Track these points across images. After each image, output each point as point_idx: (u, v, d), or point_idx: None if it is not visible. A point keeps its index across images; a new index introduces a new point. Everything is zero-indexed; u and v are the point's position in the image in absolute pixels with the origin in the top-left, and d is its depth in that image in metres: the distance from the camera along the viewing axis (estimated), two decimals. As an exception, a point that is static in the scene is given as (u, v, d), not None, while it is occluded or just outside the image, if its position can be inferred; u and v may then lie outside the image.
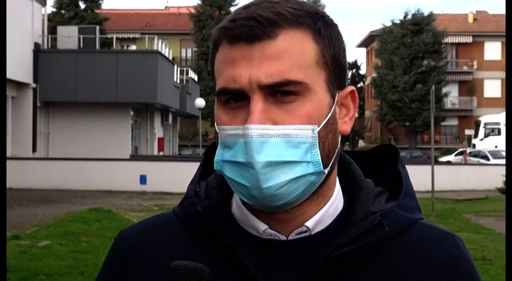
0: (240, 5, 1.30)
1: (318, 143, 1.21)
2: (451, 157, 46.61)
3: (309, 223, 1.26)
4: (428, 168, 20.14)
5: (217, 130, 1.24)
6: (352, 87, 1.31)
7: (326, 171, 1.23)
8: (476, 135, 42.70)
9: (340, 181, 1.33)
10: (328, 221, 1.28)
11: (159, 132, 39.95)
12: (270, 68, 1.19)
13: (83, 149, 29.36)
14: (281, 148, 1.18)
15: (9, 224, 11.63)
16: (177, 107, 38.24)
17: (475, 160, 42.06)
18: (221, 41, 1.24)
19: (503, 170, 25.62)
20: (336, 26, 1.29)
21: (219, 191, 1.32)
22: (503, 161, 36.06)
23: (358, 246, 1.24)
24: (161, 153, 39.36)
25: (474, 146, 43.05)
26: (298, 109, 1.20)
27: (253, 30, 1.19)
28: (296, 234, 1.27)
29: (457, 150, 50.13)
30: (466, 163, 38.10)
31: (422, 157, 46.83)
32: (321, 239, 1.26)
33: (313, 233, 1.27)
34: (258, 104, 1.18)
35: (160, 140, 40.08)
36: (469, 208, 20.33)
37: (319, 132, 1.21)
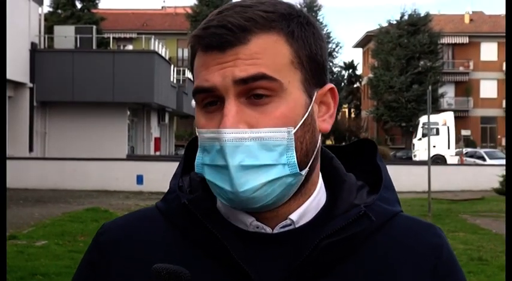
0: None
1: (294, 145, 1.21)
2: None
3: (293, 216, 1.28)
4: (424, 168, 20.16)
5: (197, 133, 1.26)
6: (331, 85, 1.31)
7: (303, 172, 1.24)
8: (415, 135, 43.41)
9: (322, 175, 1.35)
10: (311, 214, 1.30)
11: (155, 132, 39.93)
12: (244, 66, 1.20)
13: (80, 149, 29.34)
14: (255, 151, 1.19)
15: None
16: (173, 107, 38.25)
17: (471, 160, 42.14)
18: (196, 48, 1.26)
19: (499, 170, 25.66)
20: (312, 25, 1.28)
21: (203, 185, 1.32)
22: (499, 162, 36.16)
23: (343, 237, 1.25)
24: (158, 153, 39.31)
25: (414, 145, 43.67)
26: (273, 110, 1.20)
27: (224, 38, 1.20)
28: (281, 228, 1.28)
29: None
30: (462, 163, 38.13)
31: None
32: (305, 232, 1.28)
33: (297, 226, 1.29)
34: (231, 106, 1.19)
35: (157, 140, 40.04)
36: (465, 208, 20.34)
37: (295, 133, 1.22)
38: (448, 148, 40.95)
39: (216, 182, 1.22)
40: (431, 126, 41.82)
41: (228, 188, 1.20)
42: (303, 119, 1.24)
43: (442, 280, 1.31)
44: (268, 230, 1.28)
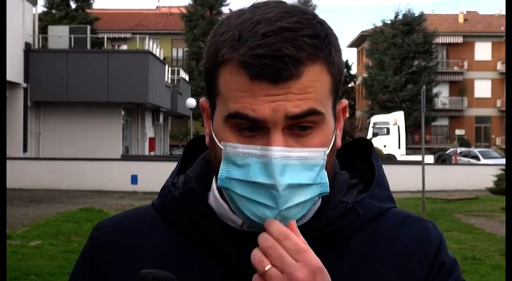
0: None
1: (325, 165, 1.24)
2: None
3: None
4: (418, 168, 20.18)
5: (221, 146, 1.23)
6: (346, 102, 1.34)
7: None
8: (366, 135, 43.71)
9: None
10: (310, 215, 1.30)
11: (150, 132, 39.89)
12: (297, 101, 1.19)
13: (74, 149, 29.29)
14: (299, 170, 1.20)
15: (0, 224, 11.59)
16: (168, 107, 38.20)
17: (466, 160, 42.20)
18: (235, 66, 1.20)
19: (493, 170, 25.69)
20: (337, 39, 1.27)
21: (197, 181, 1.34)
22: (494, 161, 36.25)
23: (328, 230, 1.27)
24: (152, 153, 39.28)
25: None
26: (312, 140, 1.22)
27: (278, 72, 1.18)
28: None
29: (447, 150, 50.29)
30: (456, 163, 38.18)
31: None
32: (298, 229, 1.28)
33: None
34: (278, 137, 1.19)
35: (152, 140, 40.01)
36: (459, 208, 20.37)
37: (327, 156, 1.24)
38: (399, 147, 40.99)
39: (254, 199, 1.21)
40: (382, 126, 42.36)
41: (273, 205, 1.19)
42: (332, 142, 1.27)
43: (436, 271, 1.32)
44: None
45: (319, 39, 1.21)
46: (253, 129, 1.21)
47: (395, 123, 41.84)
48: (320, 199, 1.32)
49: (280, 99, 1.18)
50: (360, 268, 1.29)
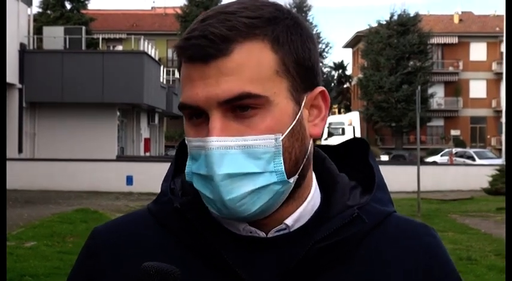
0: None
1: (281, 152, 1.19)
2: (437, 158, 46.82)
3: (288, 221, 1.26)
4: (414, 168, 20.20)
5: (186, 142, 1.24)
6: (322, 88, 1.27)
7: (292, 180, 1.22)
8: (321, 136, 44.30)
9: (316, 177, 1.33)
10: (306, 217, 1.28)
11: (145, 132, 39.89)
12: (227, 84, 1.16)
13: (69, 150, 29.26)
14: (241, 159, 1.17)
15: (-5, 225, 11.57)
16: (163, 107, 38.19)
17: (461, 160, 42.28)
18: (181, 58, 1.23)
19: (488, 170, 25.79)
20: (299, 26, 1.25)
21: (195, 188, 1.30)
22: (489, 162, 36.33)
23: (337, 240, 1.25)
24: (147, 154, 39.29)
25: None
26: (259, 123, 1.18)
27: (206, 50, 1.17)
28: (275, 232, 1.27)
29: (442, 150, 50.37)
30: (451, 163, 38.25)
31: (408, 157, 47.04)
32: (299, 236, 1.26)
33: (292, 230, 1.27)
34: (216, 123, 1.17)
35: (147, 141, 40.00)
36: (454, 208, 20.40)
37: (283, 142, 1.19)
38: None
39: (203, 192, 1.21)
40: (337, 126, 42.76)
41: (213, 197, 1.18)
42: (291, 128, 1.21)
43: (437, 280, 1.31)
44: (262, 234, 1.27)
45: (260, 20, 1.20)
46: (199, 115, 1.20)
47: (350, 124, 42.25)
48: (319, 202, 1.30)
49: (212, 83, 1.17)
50: (369, 275, 1.27)
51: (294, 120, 1.22)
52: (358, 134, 41.84)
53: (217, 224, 1.27)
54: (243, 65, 1.17)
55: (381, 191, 1.34)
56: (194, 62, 1.19)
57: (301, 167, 1.24)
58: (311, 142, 1.27)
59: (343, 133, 41.79)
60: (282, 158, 1.19)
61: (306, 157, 1.25)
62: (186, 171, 1.24)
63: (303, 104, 1.24)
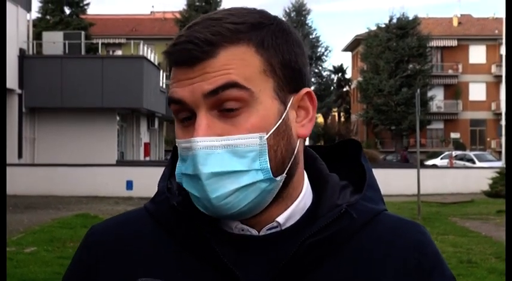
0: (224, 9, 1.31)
1: (267, 150, 1.21)
2: (437, 160, 46.84)
3: (280, 219, 1.28)
4: (414, 171, 20.19)
5: (177, 144, 1.27)
6: (308, 89, 1.30)
7: (279, 178, 1.24)
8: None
9: (307, 176, 1.35)
10: (297, 216, 1.30)
11: (145, 137, 39.89)
12: (213, 79, 1.20)
13: (69, 155, 29.27)
14: (226, 158, 1.20)
15: (-5, 231, 11.57)
16: (163, 112, 38.19)
17: (461, 163, 42.27)
18: (169, 64, 1.26)
19: (488, 173, 25.77)
20: (285, 31, 1.28)
21: None
22: (489, 164, 36.31)
23: (325, 236, 1.26)
24: (147, 158, 39.27)
25: None
26: (244, 122, 1.21)
27: (192, 53, 1.20)
28: (267, 230, 1.29)
29: (442, 153, 50.38)
30: (451, 166, 38.24)
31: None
32: (290, 234, 1.28)
33: (283, 228, 1.29)
34: (202, 120, 1.20)
35: (147, 145, 39.99)
36: (454, 211, 20.38)
37: (268, 141, 1.22)
38: None
39: (190, 191, 1.23)
40: None
41: (200, 195, 1.21)
42: (276, 127, 1.23)
43: (428, 275, 1.32)
44: (254, 232, 1.29)
45: (245, 25, 1.23)
46: (189, 118, 1.23)
47: None
48: (310, 202, 1.32)
49: (197, 80, 1.21)
50: (359, 271, 1.29)
51: (280, 119, 1.24)
52: None
53: (212, 223, 1.29)
54: (228, 64, 1.20)
55: (371, 191, 1.36)
56: (181, 66, 1.23)
57: (288, 166, 1.26)
58: (299, 142, 1.29)
59: None
60: (267, 156, 1.22)
61: (293, 156, 1.27)
62: (176, 172, 1.27)
63: (288, 104, 1.26)
